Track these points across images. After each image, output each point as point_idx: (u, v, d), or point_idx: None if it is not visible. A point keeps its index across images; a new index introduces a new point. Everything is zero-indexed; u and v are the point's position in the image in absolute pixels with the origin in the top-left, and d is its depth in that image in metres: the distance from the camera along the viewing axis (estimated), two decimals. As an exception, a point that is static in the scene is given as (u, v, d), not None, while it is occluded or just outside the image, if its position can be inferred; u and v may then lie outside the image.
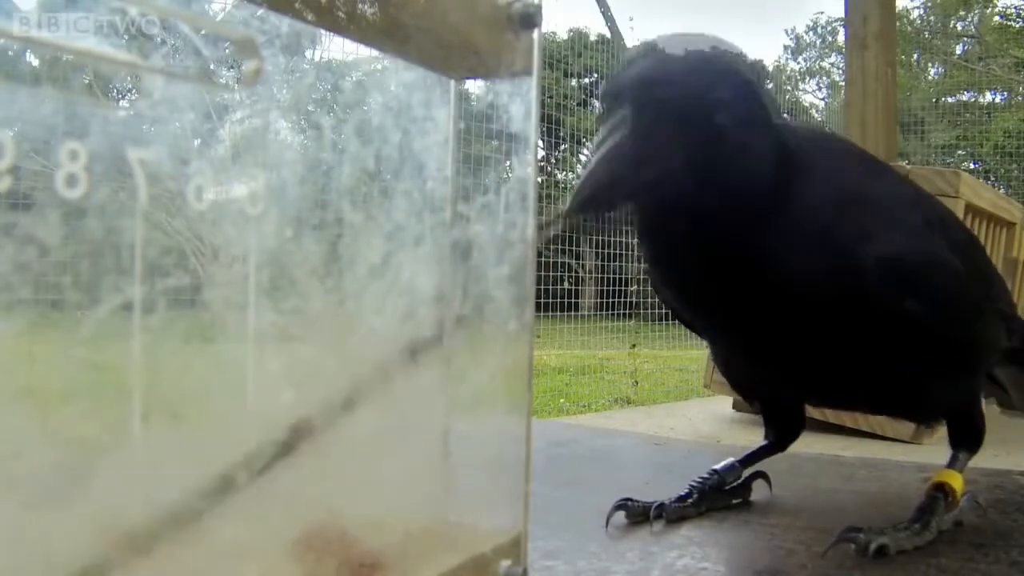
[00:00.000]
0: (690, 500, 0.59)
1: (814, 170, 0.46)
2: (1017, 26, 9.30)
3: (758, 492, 0.64)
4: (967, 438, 0.57)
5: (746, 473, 0.63)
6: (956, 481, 0.55)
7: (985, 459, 0.80)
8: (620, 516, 0.57)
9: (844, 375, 0.53)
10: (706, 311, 0.52)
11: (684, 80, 0.42)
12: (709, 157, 0.42)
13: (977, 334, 0.55)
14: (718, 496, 0.61)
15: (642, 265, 0.51)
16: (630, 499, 0.57)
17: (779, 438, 0.63)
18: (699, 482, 0.60)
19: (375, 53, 0.33)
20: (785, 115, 0.50)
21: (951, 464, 0.57)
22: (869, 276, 0.46)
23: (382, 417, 0.32)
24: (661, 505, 0.57)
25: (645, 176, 0.41)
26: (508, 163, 0.36)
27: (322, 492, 0.30)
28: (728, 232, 0.45)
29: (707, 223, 0.44)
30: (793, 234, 0.45)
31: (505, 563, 0.35)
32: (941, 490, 0.54)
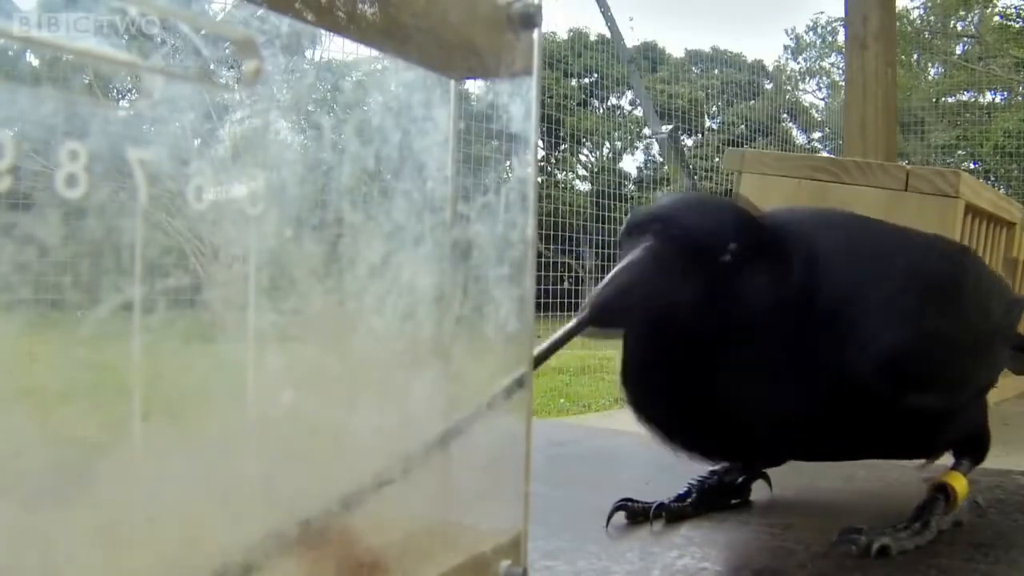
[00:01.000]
0: (689, 500, 0.59)
1: (810, 284, 0.47)
2: (1017, 26, 9.29)
3: (758, 492, 0.64)
4: (972, 451, 0.58)
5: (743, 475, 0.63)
6: (959, 483, 0.55)
7: (985, 459, 0.80)
8: (620, 516, 0.57)
9: (852, 449, 0.54)
10: (704, 435, 0.52)
11: (701, 218, 0.46)
12: (715, 286, 0.45)
13: (983, 379, 0.57)
14: (717, 496, 0.61)
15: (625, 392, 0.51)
16: (630, 499, 0.57)
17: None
18: (698, 481, 0.60)
19: (375, 53, 0.33)
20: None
21: (955, 467, 0.57)
22: (871, 385, 0.47)
23: (382, 417, 0.32)
24: (661, 505, 0.57)
25: (656, 294, 0.43)
26: (508, 163, 0.36)
27: (322, 492, 0.30)
28: (728, 359, 0.46)
29: (703, 349, 0.46)
30: (796, 359, 0.47)
31: (505, 563, 0.35)
32: (942, 491, 0.54)
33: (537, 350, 0.41)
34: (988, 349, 0.57)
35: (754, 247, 0.46)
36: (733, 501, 0.62)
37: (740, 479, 0.62)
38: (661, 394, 0.50)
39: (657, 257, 0.43)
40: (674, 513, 0.58)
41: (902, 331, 0.48)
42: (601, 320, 0.42)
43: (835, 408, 0.47)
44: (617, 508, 0.57)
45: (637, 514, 0.57)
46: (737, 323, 0.45)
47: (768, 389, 0.47)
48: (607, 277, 0.43)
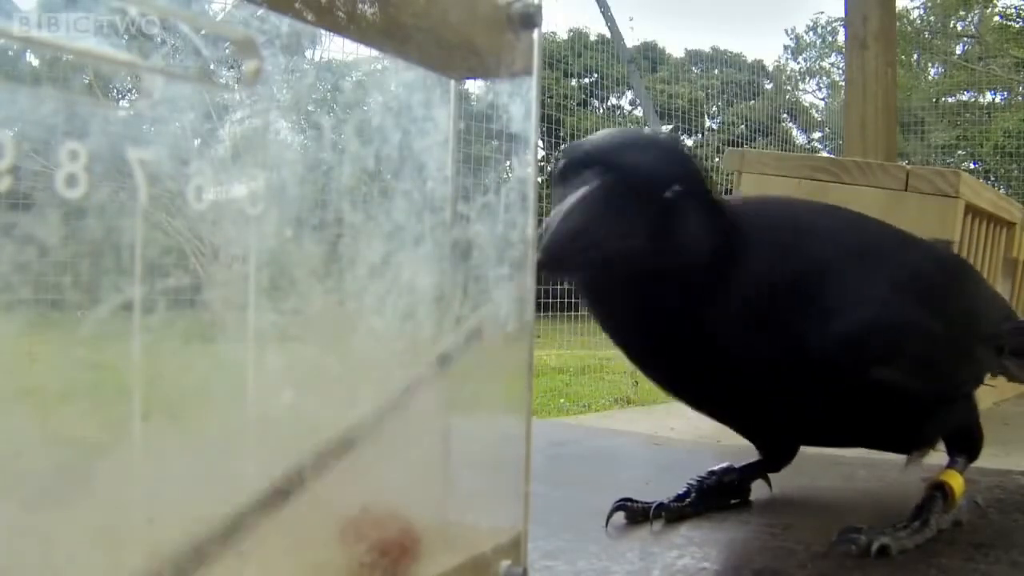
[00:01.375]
0: (688, 499, 0.59)
1: (764, 244, 0.48)
2: (1017, 26, 9.29)
3: (758, 492, 0.64)
4: (966, 448, 0.58)
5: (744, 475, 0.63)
6: (956, 481, 0.55)
7: (985, 459, 0.80)
8: (619, 516, 0.57)
9: (827, 428, 0.55)
10: (664, 376, 0.52)
11: (641, 154, 0.45)
12: (658, 228, 0.44)
13: (963, 376, 0.57)
14: (717, 496, 0.61)
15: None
16: (630, 499, 0.57)
17: (772, 458, 0.64)
18: (697, 481, 0.60)
19: (375, 53, 0.33)
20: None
21: (950, 465, 0.57)
22: (835, 355, 0.47)
23: (382, 417, 0.32)
24: (661, 505, 0.57)
25: (603, 237, 0.43)
26: (508, 163, 0.36)
27: (322, 491, 0.30)
28: (676, 307, 0.46)
29: (657, 296, 0.46)
30: (748, 313, 0.47)
31: (505, 563, 0.35)
32: (940, 489, 0.55)
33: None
34: (967, 345, 0.57)
35: (695, 189, 0.46)
36: (732, 501, 0.62)
37: (739, 479, 0.62)
38: (623, 330, 0.50)
39: (602, 198, 0.42)
40: (674, 513, 0.58)
41: (872, 309, 0.48)
42: (552, 265, 0.41)
43: (795, 376, 0.48)
44: (617, 508, 0.57)
45: (637, 514, 0.57)
46: (683, 263, 0.45)
47: (712, 335, 0.47)
48: (554, 218, 0.42)
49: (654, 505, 0.57)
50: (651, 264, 0.44)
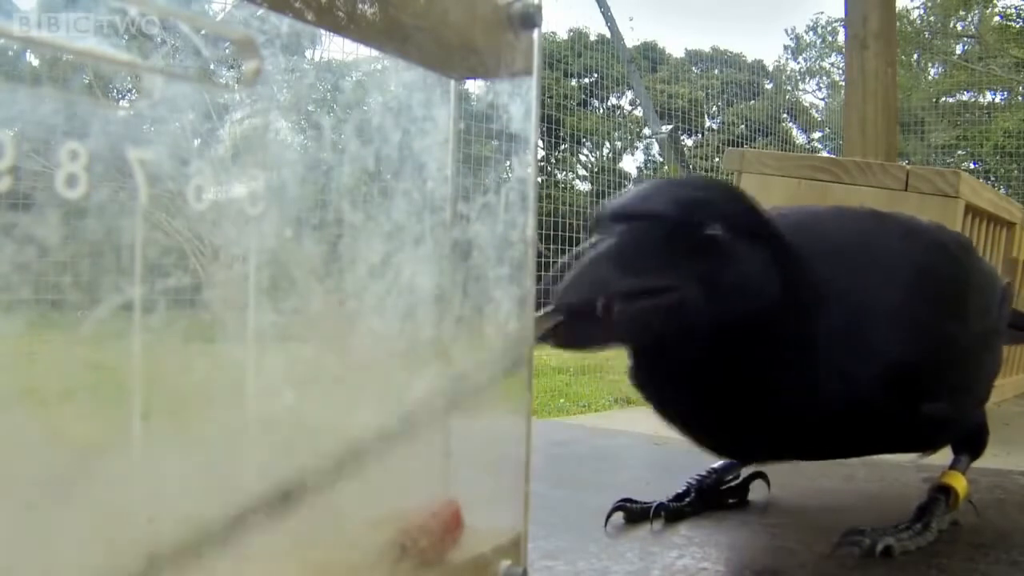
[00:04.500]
0: (688, 499, 0.59)
1: (821, 283, 0.44)
2: (1017, 26, 9.28)
3: (757, 492, 0.64)
4: (971, 446, 0.58)
5: (744, 472, 0.63)
6: (959, 483, 0.55)
7: (985, 459, 0.80)
8: (619, 516, 0.57)
9: (856, 448, 0.53)
10: (700, 427, 0.49)
11: (673, 194, 0.41)
12: (702, 274, 0.40)
13: (989, 384, 0.56)
14: (716, 495, 0.61)
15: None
16: (629, 499, 0.57)
17: None
18: (697, 480, 0.60)
19: (375, 53, 0.33)
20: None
21: (954, 466, 0.57)
22: (882, 397, 0.45)
23: (383, 417, 0.32)
24: (660, 505, 0.57)
25: (629, 283, 0.39)
26: (508, 163, 0.36)
27: (321, 492, 0.30)
28: (729, 358, 0.43)
29: (706, 347, 0.42)
30: (805, 364, 0.44)
31: (505, 563, 0.35)
32: (943, 491, 0.54)
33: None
34: (991, 348, 0.57)
35: (739, 223, 0.42)
36: (731, 501, 0.62)
37: (738, 479, 0.62)
38: (669, 391, 0.47)
39: (625, 246, 0.39)
40: (673, 513, 0.58)
41: (912, 345, 0.46)
42: (565, 308, 0.39)
43: (840, 415, 0.46)
44: (616, 508, 0.57)
45: (636, 514, 0.57)
46: (737, 311, 0.41)
47: (771, 390, 0.45)
48: (573, 271, 0.39)
49: (654, 505, 0.57)
50: (698, 318, 0.40)
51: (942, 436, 0.55)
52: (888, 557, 0.49)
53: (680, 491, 0.60)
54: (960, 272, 0.54)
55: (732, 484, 0.62)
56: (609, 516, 0.56)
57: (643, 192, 0.42)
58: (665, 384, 0.47)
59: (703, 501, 0.59)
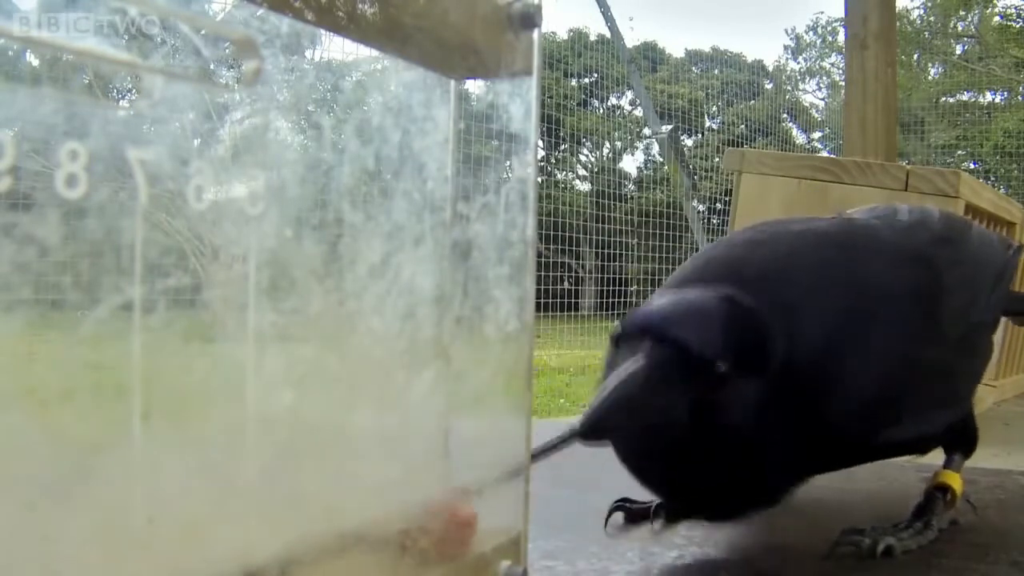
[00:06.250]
0: None
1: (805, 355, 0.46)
2: (1017, 26, 9.28)
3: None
4: (962, 444, 0.58)
5: None
6: (955, 482, 0.55)
7: (985, 459, 0.80)
8: (618, 516, 0.57)
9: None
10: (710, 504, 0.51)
11: (697, 325, 0.44)
12: (709, 399, 0.43)
13: (974, 386, 0.57)
14: None
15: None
16: (628, 499, 0.57)
17: None
18: None
19: (375, 53, 0.33)
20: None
21: (948, 465, 0.57)
22: (851, 437, 0.48)
23: (382, 417, 0.33)
24: (660, 505, 0.57)
25: (654, 406, 0.42)
26: (508, 163, 0.36)
27: (322, 492, 0.30)
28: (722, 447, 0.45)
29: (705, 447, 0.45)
30: (781, 429, 0.46)
31: (505, 563, 0.35)
32: (941, 490, 0.54)
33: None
34: (974, 347, 0.56)
35: (744, 358, 0.45)
36: None
37: None
38: (661, 482, 0.50)
39: (651, 373, 0.42)
40: (672, 513, 0.58)
41: (866, 380, 0.48)
42: (593, 436, 0.43)
43: (828, 459, 0.49)
44: (615, 508, 0.57)
45: (635, 514, 0.57)
46: (727, 433, 0.45)
47: (762, 465, 0.47)
48: (601, 391, 0.42)
49: (653, 505, 0.57)
50: (693, 437, 0.44)
51: (931, 444, 0.55)
52: (889, 557, 0.49)
53: None
54: (929, 283, 0.53)
55: None
56: (609, 516, 0.56)
57: (671, 311, 0.45)
58: (649, 476, 0.50)
59: None
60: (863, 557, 0.49)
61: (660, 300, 0.46)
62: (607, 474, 0.77)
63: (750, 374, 0.45)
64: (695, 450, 0.45)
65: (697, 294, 0.46)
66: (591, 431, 0.42)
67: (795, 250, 0.55)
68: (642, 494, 0.58)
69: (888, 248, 0.55)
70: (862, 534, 0.50)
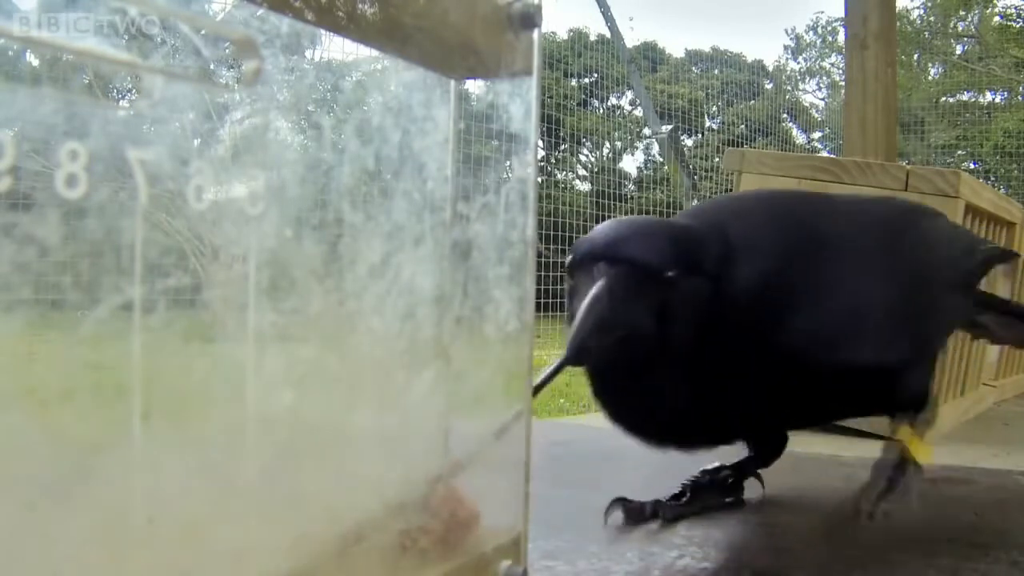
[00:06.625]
0: (684, 499, 0.60)
1: (743, 273, 0.51)
2: (1017, 26, 9.28)
3: (758, 492, 0.64)
4: (917, 411, 0.60)
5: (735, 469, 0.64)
6: (917, 446, 0.58)
7: (985, 459, 0.80)
8: (618, 515, 0.57)
9: (813, 413, 0.59)
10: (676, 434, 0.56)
11: (641, 242, 0.49)
12: (663, 307, 0.49)
13: (932, 333, 0.60)
14: (712, 494, 0.62)
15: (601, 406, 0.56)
16: (626, 498, 0.58)
17: (762, 455, 0.65)
18: (692, 481, 0.61)
19: (375, 53, 0.33)
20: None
21: (904, 424, 0.59)
22: (805, 352, 0.51)
23: (382, 417, 0.33)
24: (658, 503, 0.58)
25: (624, 319, 0.47)
26: (508, 163, 0.36)
27: (322, 492, 0.30)
28: (689, 365, 0.50)
29: (666, 360, 0.50)
30: (728, 351, 0.50)
31: (505, 563, 0.35)
32: (905, 456, 0.57)
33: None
34: (934, 303, 0.59)
35: (687, 264, 0.50)
36: (727, 499, 0.62)
37: (732, 476, 0.63)
38: (635, 407, 0.53)
39: (613, 291, 0.47)
40: (670, 511, 0.58)
41: (824, 302, 0.52)
42: (582, 359, 0.46)
43: (787, 383, 0.52)
44: (614, 506, 0.57)
45: (634, 512, 0.57)
46: (688, 331, 0.49)
47: (726, 385, 0.51)
48: (577, 318, 0.46)
49: (651, 503, 0.57)
50: (660, 341, 0.48)
51: (896, 395, 0.58)
52: (886, 519, 0.53)
53: (676, 491, 0.60)
54: (887, 231, 0.58)
55: (727, 483, 0.63)
56: (608, 513, 0.57)
57: (615, 235, 0.50)
58: (624, 398, 0.53)
59: (700, 500, 0.60)
60: (866, 521, 0.53)
61: (602, 228, 0.50)
62: (607, 474, 0.77)
63: (695, 275, 0.50)
64: (663, 359, 0.49)
65: (635, 219, 0.52)
66: (577, 356, 0.45)
67: (752, 195, 0.64)
68: (642, 494, 0.58)
69: (845, 204, 0.61)
70: (858, 503, 0.54)
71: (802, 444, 0.68)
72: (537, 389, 0.44)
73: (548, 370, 0.45)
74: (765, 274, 0.51)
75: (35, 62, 0.25)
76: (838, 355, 0.52)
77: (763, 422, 0.56)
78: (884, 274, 0.55)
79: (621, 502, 0.57)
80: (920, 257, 0.59)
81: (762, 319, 0.51)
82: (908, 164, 1.32)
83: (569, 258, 0.49)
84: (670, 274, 0.48)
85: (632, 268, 0.48)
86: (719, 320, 0.50)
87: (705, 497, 0.61)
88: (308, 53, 0.32)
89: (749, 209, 0.59)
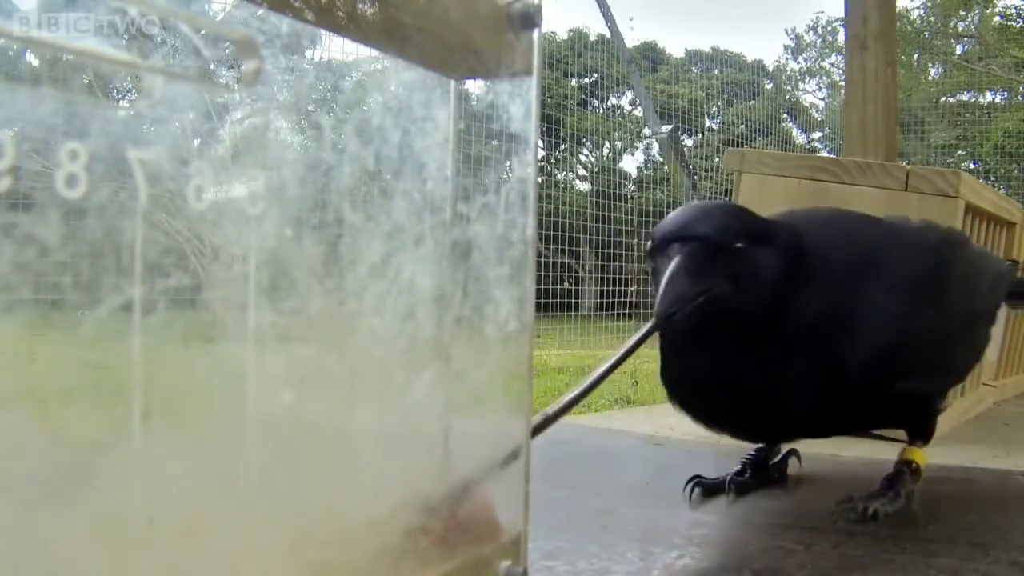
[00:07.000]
0: (747, 475, 0.65)
1: (814, 274, 0.55)
2: (1017, 26, 9.27)
3: (758, 492, 0.65)
4: (923, 434, 0.63)
5: (783, 450, 0.69)
6: (919, 457, 0.62)
7: (985, 459, 0.80)
8: (697, 492, 0.62)
9: (846, 426, 0.63)
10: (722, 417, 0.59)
11: (710, 220, 0.54)
12: (736, 275, 0.53)
13: (967, 368, 0.66)
14: (764, 472, 0.67)
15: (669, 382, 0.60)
16: (701, 476, 0.63)
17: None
18: (750, 458, 0.67)
19: (375, 53, 0.33)
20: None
21: (912, 443, 0.63)
22: (863, 375, 0.54)
23: (382, 417, 0.33)
24: (732, 479, 0.64)
25: (701, 286, 0.51)
26: (508, 163, 0.36)
27: (322, 492, 0.30)
28: (747, 340, 0.54)
29: (737, 332, 0.54)
30: (799, 341, 0.54)
31: (505, 563, 0.35)
32: (907, 464, 0.61)
33: (610, 362, 0.54)
34: (971, 331, 0.64)
35: (755, 237, 0.54)
36: (776, 475, 0.68)
37: (777, 457, 0.69)
38: (702, 394, 0.57)
39: (689, 264, 0.51)
40: (741, 486, 0.64)
41: (889, 330, 0.55)
42: (667, 325, 0.51)
43: (838, 394, 0.55)
44: (693, 484, 0.62)
45: (711, 488, 0.63)
46: (761, 298, 0.53)
47: (783, 381, 0.54)
48: (661, 289, 0.50)
49: (728, 479, 0.63)
50: (735, 306, 0.52)
51: (918, 410, 0.62)
52: (876, 520, 0.56)
53: (738, 468, 0.66)
54: (939, 264, 0.62)
55: (775, 461, 0.68)
56: (690, 493, 0.62)
57: (689, 217, 0.54)
58: (692, 380, 0.57)
59: (756, 477, 0.66)
60: (857, 520, 0.56)
61: (674, 214, 0.55)
62: (607, 474, 0.77)
63: (764, 245, 0.54)
64: (737, 332, 0.53)
65: (703, 202, 0.55)
66: (664, 322, 0.50)
67: (821, 210, 0.69)
68: (643, 494, 0.59)
69: (900, 231, 0.63)
70: (852, 501, 0.57)
71: (802, 444, 0.68)
72: (624, 357, 0.52)
73: (634, 339, 0.51)
74: (837, 285, 0.55)
75: (35, 62, 0.25)
76: (892, 378, 0.55)
77: (812, 420, 0.59)
78: (938, 304, 0.58)
79: (698, 480, 0.63)
80: (968, 290, 0.63)
81: (829, 323, 0.54)
82: (908, 164, 1.32)
83: (648, 244, 0.54)
84: (739, 245, 0.53)
85: (704, 242, 0.52)
86: (791, 293, 0.54)
87: (760, 473, 0.66)
88: (308, 53, 0.32)
89: (824, 219, 0.64)
